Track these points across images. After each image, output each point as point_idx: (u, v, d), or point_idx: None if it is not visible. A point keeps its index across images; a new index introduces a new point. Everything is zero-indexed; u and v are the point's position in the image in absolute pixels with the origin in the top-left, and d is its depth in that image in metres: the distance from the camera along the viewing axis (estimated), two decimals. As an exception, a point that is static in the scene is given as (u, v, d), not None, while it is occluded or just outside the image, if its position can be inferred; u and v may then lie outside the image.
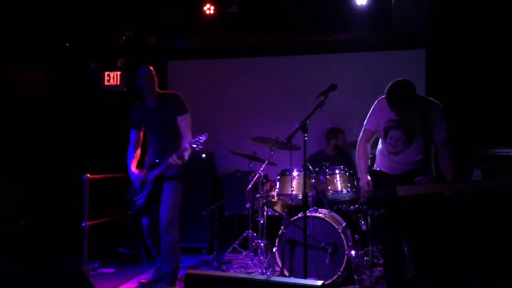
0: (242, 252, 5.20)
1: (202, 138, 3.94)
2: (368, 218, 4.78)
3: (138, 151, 4.46)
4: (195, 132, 4.12)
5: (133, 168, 4.34)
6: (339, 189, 4.84)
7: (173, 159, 4.03)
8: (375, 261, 4.93)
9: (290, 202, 4.93)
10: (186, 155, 4.09)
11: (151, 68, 4.33)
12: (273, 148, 4.92)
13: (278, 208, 5.11)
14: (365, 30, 5.86)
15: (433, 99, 3.58)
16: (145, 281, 4.49)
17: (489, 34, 5.45)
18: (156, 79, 4.34)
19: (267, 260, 4.74)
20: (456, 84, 5.66)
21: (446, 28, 5.60)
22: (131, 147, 4.45)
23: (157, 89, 4.35)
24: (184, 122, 4.27)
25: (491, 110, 5.50)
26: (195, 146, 3.94)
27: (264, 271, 4.67)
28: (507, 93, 5.44)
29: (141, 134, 4.48)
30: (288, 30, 6.10)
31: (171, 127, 4.26)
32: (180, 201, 4.31)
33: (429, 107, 3.51)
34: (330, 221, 4.46)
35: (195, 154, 5.86)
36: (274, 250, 4.56)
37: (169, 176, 4.24)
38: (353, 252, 4.46)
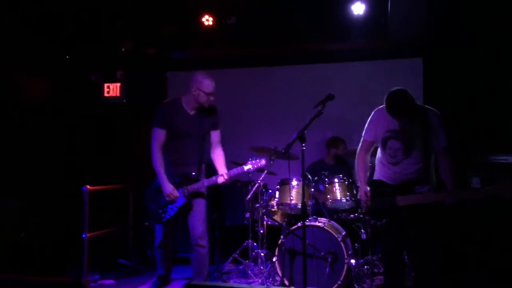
0: (243, 262, 5.20)
1: (261, 163, 4.06)
2: (368, 227, 4.79)
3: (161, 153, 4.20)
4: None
5: (166, 178, 4.10)
6: (339, 198, 4.86)
7: (223, 179, 4.07)
8: (375, 270, 4.93)
9: (289, 212, 4.95)
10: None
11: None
12: (272, 158, 4.94)
13: (277, 217, 5.11)
14: (362, 40, 5.89)
15: (431, 107, 3.61)
16: None
17: (486, 43, 5.48)
18: None
19: (267, 269, 4.74)
20: (454, 92, 5.69)
21: (443, 36, 5.64)
22: (157, 149, 4.13)
23: None
24: (219, 136, 4.31)
25: (489, 118, 5.52)
26: (251, 168, 4.05)
27: (264, 280, 4.67)
28: (505, 101, 5.46)
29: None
30: (286, 41, 6.13)
31: (205, 139, 4.23)
32: (207, 214, 4.33)
33: (427, 115, 3.53)
34: (329, 230, 4.48)
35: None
36: (274, 259, 4.57)
37: (201, 190, 4.21)
38: (353, 261, 4.47)
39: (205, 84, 4.13)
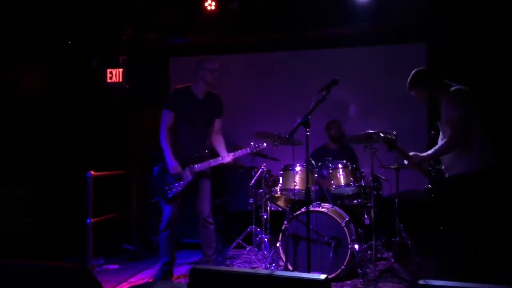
0: (246, 247, 5.22)
1: (262, 146, 4.42)
2: (371, 212, 4.81)
3: (171, 136, 4.40)
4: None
5: (172, 156, 4.29)
6: (342, 184, 4.87)
7: (229, 159, 4.32)
8: (379, 255, 4.95)
9: (293, 197, 4.95)
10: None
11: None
12: (275, 144, 4.93)
13: (281, 203, 5.12)
14: (366, 25, 5.85)
15: None
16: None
17: (491, 27, 5.43)
18: None
19: (270, 255, 4.76)
20: (457, 78, 5.64)
21: (446, 21, 5.59)
22: (165, 130, 4.35)
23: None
24: (221, 125, 4.56)
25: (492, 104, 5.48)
26: (255, 150, 4.41)
27: (268, 265, 4.69)
28: (508, 87, 5.42)
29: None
30: (289, 26, 6.09)
31: (211, 125, 4.50)
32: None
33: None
34: (333, 215, 4.48)
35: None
36: (277, 245, 4.59)
37: (203, 173, 4.41)
38: (356, 246, 4.48)
39: (207, 62, 4.45)
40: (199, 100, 4.41)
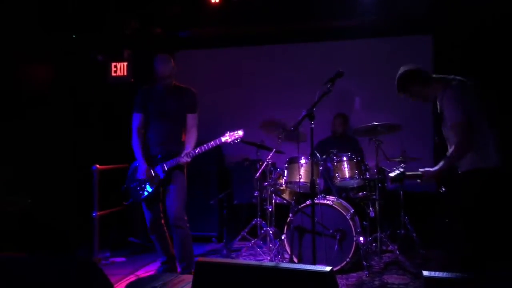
0: (251, 240, 5.24)
1: (238, 134, 4.04)
2: (376, 204, 4.81)
3: (143, 137, 4.28)
4: (205, 126, 4.12)
5: (143, 158, 4.18)
6: (347, 176, 4.86)
7: (186, 160, 4.04)
8: (384, 247, 4.96)
9: (298, 190, 4.95)
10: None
11: (170, 56, 4.28)
12: (280, 137, 4.93)
13: (286, 196, 5.13)
14: (371, 16, 5.81)
15: None
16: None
17: (497, 19, 5.38)
18: (174, 68, 4.28)
19: (276, 247, 4.78)
20: (464, 70, 5.60)
21: (453, 13, 5.54)
22: (136, 132, 4.26)
23: (173, 79, 4.28)
24: (195, 120, 4.26)
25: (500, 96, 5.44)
26: (228, 139, 4.02)
27: (273, 258, 4.71)
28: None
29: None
30: (293, 18, 6.06)
31: (182, 120, 4.24)
32: (186, 193, 4.23)
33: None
34: (338, 208, 4.49)
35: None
36: (282, 237, 4.60)
37: (175, 167, 4.14)
38: (361, 239, 4.49)
39: (155, 59, 4.26)
40: (165, 96, 4.22)
